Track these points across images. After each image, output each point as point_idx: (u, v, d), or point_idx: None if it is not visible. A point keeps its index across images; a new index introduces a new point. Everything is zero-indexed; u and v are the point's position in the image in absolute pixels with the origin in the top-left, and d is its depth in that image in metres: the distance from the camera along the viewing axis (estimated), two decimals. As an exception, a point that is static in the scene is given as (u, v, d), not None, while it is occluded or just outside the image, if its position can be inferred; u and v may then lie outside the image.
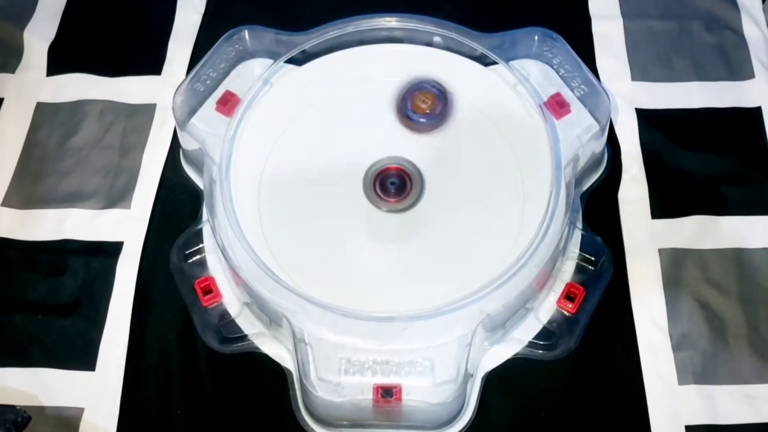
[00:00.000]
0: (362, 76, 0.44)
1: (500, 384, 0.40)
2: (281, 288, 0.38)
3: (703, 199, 0.45)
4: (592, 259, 0.42)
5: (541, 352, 0.40)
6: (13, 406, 0.38)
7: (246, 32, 0.45)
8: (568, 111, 0.43)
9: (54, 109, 0.50)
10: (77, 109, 0.50)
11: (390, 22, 0.45)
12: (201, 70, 0.44)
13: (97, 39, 0.53)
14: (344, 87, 0.44)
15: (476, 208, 0.41)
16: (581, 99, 0.43)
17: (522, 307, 0.40)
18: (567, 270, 0.42)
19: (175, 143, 0.48)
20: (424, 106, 0.41)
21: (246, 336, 0.41)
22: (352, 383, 0.37)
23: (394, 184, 0.40)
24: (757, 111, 0.48)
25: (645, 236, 0.44)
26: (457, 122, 0.43)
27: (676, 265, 0.43)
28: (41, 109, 0.50)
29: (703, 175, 0.46)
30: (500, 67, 0.44)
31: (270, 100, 0.44)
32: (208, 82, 0.44)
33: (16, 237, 0.45)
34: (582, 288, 0.41)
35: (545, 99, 0.43)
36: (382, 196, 0.40)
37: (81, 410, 0.40)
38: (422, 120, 0.42)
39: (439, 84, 0.41)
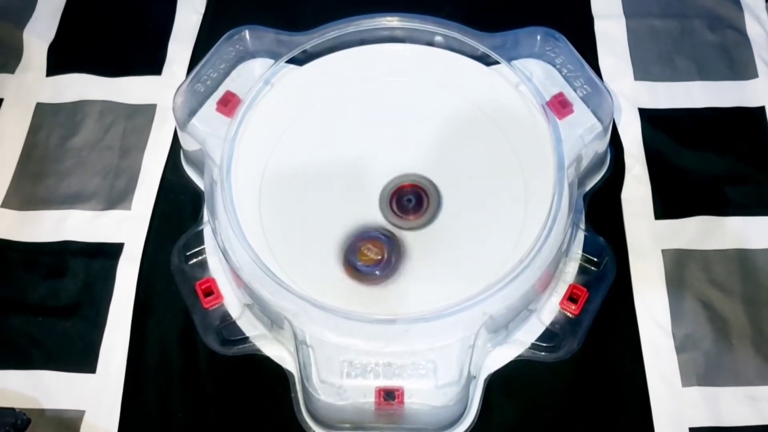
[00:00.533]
0: (363, 76, 0.44)
1: (503, 386, 0.40)
2: (283, 290, 0.37)
3: (707, 199, 0.45)
4: (595, 260, 0.42)
5: (544, 353, 0.40)
6: (13, 409, 0.38)
7: (246, 32, 0.45)
8: (571, 111, 0.43)
9: (54, 110, 0.50)
10: (77, 109, 0.49)
11: (391, 21, 0.45)
12: (201, 71, 0.44)
13: (97, 39, 0.52)
14: (345, 87, 0.44)
15: (478, 209, 0.40)
16: (584, 99, 0.43)
17: (525, 308, 0.40)
18: (570, 271, 0.42)
19: (175, 144, 0.47)
20: (371, 255, 0.38)
21: (247, 338, 0.41)
22: (354, 386, 0.36)
23: (410, 202, 0.40)
24: (760, 111, 0.48)
25: (648, 237, 0.44)
26: (459, 123, 0.43)
27: (680, 266, 0.43)
28: (41, 109, 0.50)
29: (706, 176, 0.46)
30: (502, 67, 0.44)
31: (271, 101, 0.44)
32: (208, 82, 0.44)
33: (16, 238, 0.45)
34: (585, 289, 0.41)
35: (548, 99, 0.43)
36: (398, 213, 0.40)
37: (82, 413, 0.40)
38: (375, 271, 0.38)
39: (386, 231, 0.39)
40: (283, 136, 0.43)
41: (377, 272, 0.38)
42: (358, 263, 0.38)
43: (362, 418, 0.38)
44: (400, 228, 0.40)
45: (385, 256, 0.38)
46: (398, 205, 0.40)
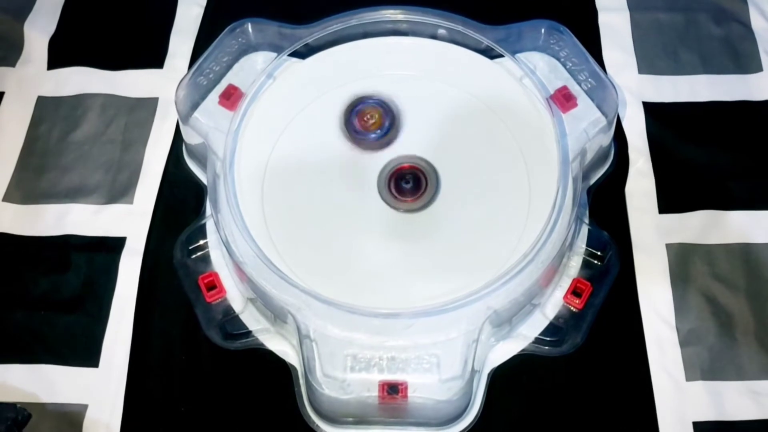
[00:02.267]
0: (366, 70, 0.44)
1: (507, 380, 0.40)
2: (286, 284, 0.37)
3: (711, 193, 0.45)
4: (599, 254, 0.42)
5: (547, 348, 0.40)
6: (14, 404, 0.38)
7: (249, 25, 0.45)
8: (575, 104, 0.43)
9: (55, 103, 0.49)
10: (78, 103, 0.49)
11: (395, 14, 0.45)
12: (203, 64, 0.43)
13: (98, 32, 0.52)
14: (348, 80, 0.44)
15: (482, 204, 0.40)
16: (588, 92, 0.43)
17: (528, 303, 0.40)
18: (574, 265, 0.42)
19: (177, 138, 0.47)
20: (371, 122, 0.40)
21: (250, 332, 0.41)
22: (357, 380, 0.36)
23: (408, 183, 0.40)
24: (765, 105, 0.48)
25: (652, 231, 0.44)
26: (462, 116, 0.42)
27: (684, 261, 0.43)
28: (42, 103, 0.49)
29: (710, 170, 0.46)
30: (506, 60, 0.43)
31: (273, 94, 0.43)
32: (210, 75, 0.44)
33: (18, 232, 0.45)
34: (589, 283, 0.41)
35: (552, 92, 0.43)
36: (397, 196, 0.40)
37: (85, 407, 0.40)
38: (371, 136, 0.41)
39: (382, 100, 0.40)
40: (285, 129, 0.42)
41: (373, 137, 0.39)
42: (358, 128, 0.39)
43: (366, 412, 0.38)
44: (398, 210, 0.40)
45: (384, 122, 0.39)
46: (397, 187, 0.40)
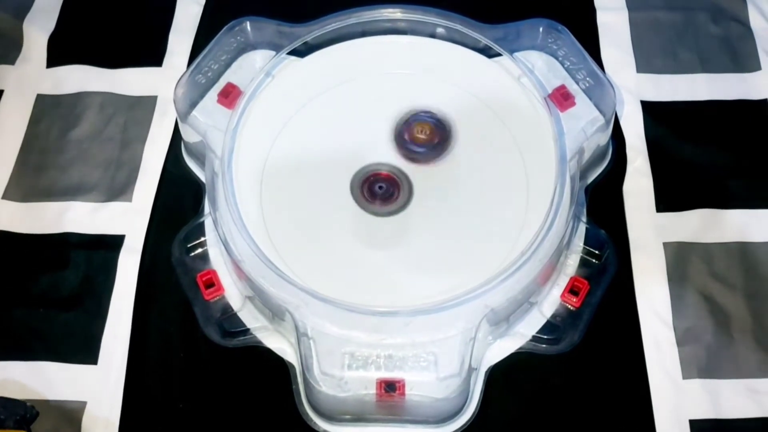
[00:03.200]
0: (365, 68, 0.44)
1: (504, 378, 0.40)
2: (284, 282, 0.37)
3: (708, 192, 0.45)
4: (597, 252, 0.42)
5: (545, 346, 0.40)
6: (23, 401, 0.38)
7: (248, 23, 0.45)
8: (573, 103, 0.43)
9: (54, 102, 0.49)
10: (77, 101, 0.49)
11: (393, 13, 0.45)
12: (202, 62, 0.44)
13: (97, 30, 0.52)
14: (347, 79, 0.44)
15: (480, 202, 0.40)
16: (586, 91, 0.43)
17: (526, 301, 0.40)
18: (571, 264, 0.42)
19: (176, 136, 0.47)
20: (422, 136, 0.40)
21: (248, 330, 0.41)
22: (355, 378, 0.36)
23: (381, 189, 0.40)
24: (763, 104, 0.48)
25: (650, 230, 0.44)
26: (461, 115, 0.43)
27: (681, 259, 0.43)
28: (41, 101, 0.49)
29: (708, 169, 0.46)
30: (504, 59, 0.44)
31: (272, 92, 0.43)
32: (209, 74, 0.44)
33: (17, 230, 0.45)
34: (586, 282, 0.41)
35: (550, 91, 0.43)
36: (368, 199, 0.40)
37: (83, 404, 0.40)
38: (421, 150, 0.41)
39: (435, 114, 0.41)
40: (284, 127, 0.43)
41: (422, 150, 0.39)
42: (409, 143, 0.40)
43: (363, 409, 0.38)
44: (375, 215, 0.40)
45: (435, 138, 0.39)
46: (370, 192, 0.40)
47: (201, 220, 0.43)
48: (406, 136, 0.42)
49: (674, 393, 0.39)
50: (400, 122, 0.42)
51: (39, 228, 0.45)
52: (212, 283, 0.41)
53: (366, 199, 0.40)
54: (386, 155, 0.42)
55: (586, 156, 0.43)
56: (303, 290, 0.37)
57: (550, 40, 0.44)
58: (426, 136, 0.41)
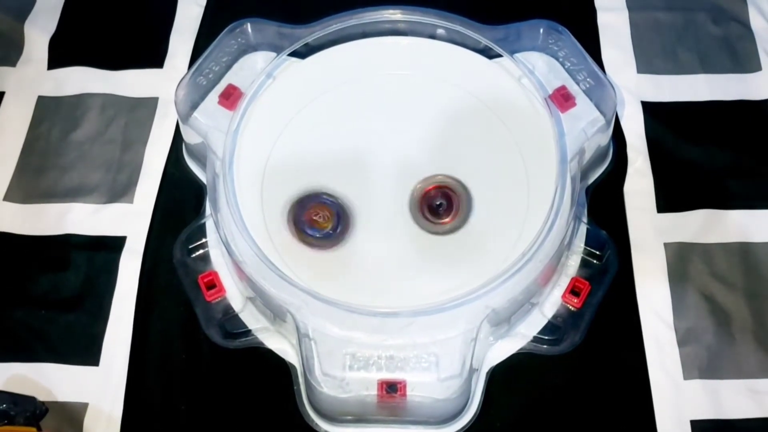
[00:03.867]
0: (365, 69, 0.44)
1: (505, 379, 0.40)
2: (285, 283, 0.37)
3: (709, 192, 0.45)
4: (598, 253, 0.42)
5: (546, 346, 0.40)
6: (33, 398, 0.38)
7: (248, 25, 0.45)
8: (574, 104, 0.43)
9: (55, 103, 0.49)
10: (79, 102, 0.49)
11: (393, 14, 0.45)
12: (203, 64, 0.44)
13: (98, 32, 0.52)
14: (347, 80, 0.44)
15: (481, 203, 0.40)
16: (587, 92, 0.43)
17: (527, 301, 0.40)
18: (572, 264, 0.42)
19: (177, 137, 0.47)
20: (321, 221, 0.39)
21: (250, 331, 0.41)
22: (356, 379, 0.37)
23: (441, 206, 0.40)
24: (764, 104, 0.48)
25: (650, 230, 0.44)
26: (461, 116, 0.43)
27: (682, 259, 0.43)
28: (42, 103, 0.50)
29: (709, 169, 0.46)
30: (505, 60, 0.44)
31: (273, 94, 0.44)
32: (210, 75, 0.44)
33: (18, 231, 0.45)
34: (587, 282, 0.41)
35: (550, 92, 0.43)
36: (429, 218, 0.39)
37: (85, 405, 0.40)
38: (317, 236, 0.39)
39: (334, 197, 0.39)
40: (285, 129, 0.43)
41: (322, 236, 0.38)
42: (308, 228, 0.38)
43: (365, 410, 0.38)
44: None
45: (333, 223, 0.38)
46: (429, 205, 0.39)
47: (202, 221, 0.43)
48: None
49: (675, 393, 0.39)
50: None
51: (40, 229, 0.45)
52: (213, 284, 0.41)
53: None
54: (386, 156, 0.42)
55: (587, 156, 0.43)
56: (304, 291, 0.37)
57: (550, 41, 0.44)
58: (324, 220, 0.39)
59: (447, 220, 0.39)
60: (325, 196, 0.39)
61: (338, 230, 0.38)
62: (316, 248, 0.39)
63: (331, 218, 0.39)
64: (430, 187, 0.40)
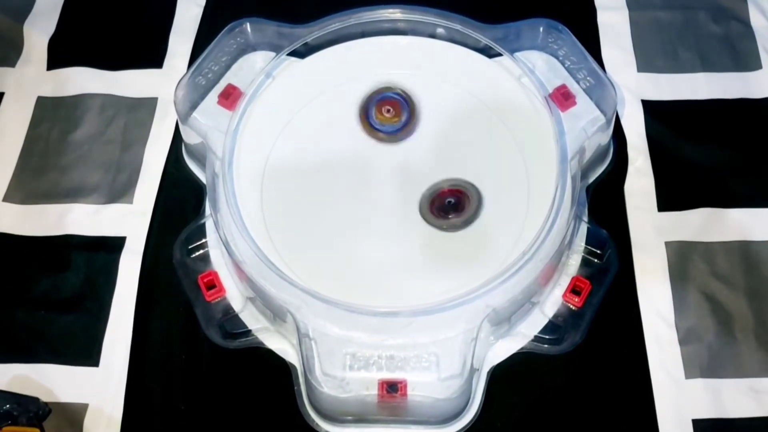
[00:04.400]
0: (365, 69, 0.44)
1: (506, 379, 0.40)
2: (285, 283, 0.37)
3: (710, 191, 0.45)
4: (598, 252, 0.42)
5: (547, 346, 0.40)
6: (36, 398, 0.38)
7: (248, 25, 0.45)
8: (574, 103, 0.43)
9: (55, 104, 0.49)
10: (78, 103, 0.49)
11: (393, 13, 0.45)
12: (202, 64, 0.44)
13: (98, 32, 0.52)
14: (347, 80, 0.44)
15: (481, 202, 0.40)
16: (587, 91, 0.43)
17: (527, 301, 0.40)
18: (573, 264, 0.42)
19: (177, 137, 0.47)
20: (388, 115, 0.40)
21: (250, 331, 0.41)
22: (356, 378, 0.36)
23: (450, 204, 0.40)
24: (764, 102, 0.48)
25: (651, 229, 0.44)
26: (461, 115, 0.43)
27: (683, 259, 0.43)
28: (42, 103, 0.50)
29: (709, 168, 0.46)
30: (505, 59, 0.44)
31: (272, 94, 0.44)
32: (209, 75, 0.44)
33: (18, 232, 0.45)
34: (588, 282, 0.41)
35: (550, 91, 0.43)
36: (437, 215, 0.39)
37: (85, 406, 0.40)
38: (387, 129, 0.41)
39: (403, 91, 0.40)
40: (284, 129, 0.43)
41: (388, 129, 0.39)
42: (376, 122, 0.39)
43: (365, 410, 0.38)
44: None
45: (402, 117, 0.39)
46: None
47: (202, 221, 0.43)
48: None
49: (677, 392, 0.39)
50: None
51: (40, 230, 0.45)
52: (213, 284, 0.41)
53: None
54: (386, 155, 0.41)
55: (587, 155, 0.43)
56: (304, 291, 0.37)
57: (550, 40, 0.44)
58: (391, 114, 0.40)
59: (454, 218, 0.39)
60: (391, 93, 0.40)
61: (406, 124, 0.39)
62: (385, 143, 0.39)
63: (400, 113, 0.39)
64: (446, 187, 0.40)
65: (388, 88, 0.42)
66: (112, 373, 0.41)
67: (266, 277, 0.38)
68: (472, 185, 0.40)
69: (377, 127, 0.41)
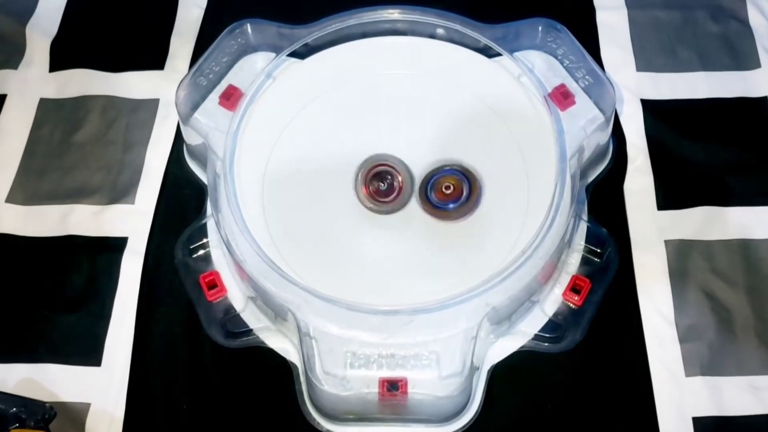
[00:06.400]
0: (365, 69, 0.44)
1: (506, 377, 0.40)
2: (286, 282, 0.38)
3: (710, 190, 0.45)
4: (598, 251, 0.42)
5: (547, 344, 0.40)
6: (43, 402, 0.38)
7: (248, 26, 0.45)
8: (573, 102, 0.43)
9: (57, 105, 0.50)
10: (80, 104, 0.50)
11: (393, 14, 0.45)
12: (203, 65, 0.44)
13: (100, 34, 0.53)
14: (347, 80, 0.44)
15: (481, 201, 0.40)
16: (586, 90, 0.43)
17: (528, 299, 0.40)
18: (573, 262, 0.42)
19: (178, 138, 0.48)
20: (448, 192, 0.39)
21: (251, 330, 0.41)
22: (357, 377, 0.37)
23: (384, 183, 0.40)
24: (763, 101, 0.48)
25: (651, 228, 0.44)
26: (461, 114, 0.43)
27: (683, 257, 0.43)
28: (44, 105, 0.50)
29: (709, 166, 0.46)
30: (504, 59, 0.44)
31: (273, 94, 0.44)
32: (210, 76, 0.44)
33: (21, 233, 0.45)
34: (588, 280, 0.41)
35: (550, 90, 0.43)
36: (371, 198, 0.40)
37: (87, 405, 0.40)
38: (449, 206, 0.39)
39: (461, 167, 0.40)
40: (285, 129, 0.43)
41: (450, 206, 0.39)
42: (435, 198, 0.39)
43: (366, 408, 0.38)
44: (376, 213, 0.40)
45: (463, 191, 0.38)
46: (371, 190, 0.40)
47: (203, 221, 0.43)
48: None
49: (677, 390, 0.39)
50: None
51: (42, 231, 0.45)
52: (215, 284, 0.41)
53: (367, 198, 0.40)
54: (385, 154, 0.42)
55: (587, 154, 0.43)
56: (305, 290, 0.37)
57: (549, 40, 0.44)
58: (451, 191, 0.40)
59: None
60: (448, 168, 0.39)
61: (468, 196, 0.39)
62: (447, 220, 0.39)
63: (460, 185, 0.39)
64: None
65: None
66: (115, 372, 0.41)
67: (267, 277, 0.38)
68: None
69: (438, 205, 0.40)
